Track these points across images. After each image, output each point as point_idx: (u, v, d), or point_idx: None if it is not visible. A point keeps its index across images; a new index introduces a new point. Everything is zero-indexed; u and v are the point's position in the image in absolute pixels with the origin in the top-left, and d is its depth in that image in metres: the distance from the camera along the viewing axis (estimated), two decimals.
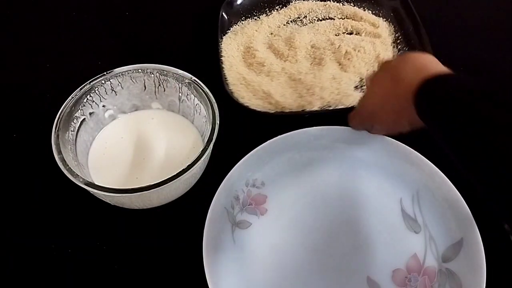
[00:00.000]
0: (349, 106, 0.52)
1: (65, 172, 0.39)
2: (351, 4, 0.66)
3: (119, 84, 0.47)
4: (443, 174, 0.44)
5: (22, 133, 0.52)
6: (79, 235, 0.45)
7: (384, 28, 0.62)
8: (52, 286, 0.42)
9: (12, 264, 0.43)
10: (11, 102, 0.56)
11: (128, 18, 0.66)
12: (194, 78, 0.46)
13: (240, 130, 0.50)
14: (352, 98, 0.52)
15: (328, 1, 0.66)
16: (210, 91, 0.45)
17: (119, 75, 0.47)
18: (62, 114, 0.43)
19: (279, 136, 0.47)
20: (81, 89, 0.45)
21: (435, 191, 0.44)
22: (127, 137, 0.48)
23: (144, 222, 0.45)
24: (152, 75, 0.48)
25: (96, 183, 0.39)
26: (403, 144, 0.46)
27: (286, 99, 0.52)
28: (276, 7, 0.65)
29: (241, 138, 0.48)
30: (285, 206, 0.46)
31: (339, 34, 0.61)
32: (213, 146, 0.42)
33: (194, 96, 0.47)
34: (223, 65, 0.55)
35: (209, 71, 0.51)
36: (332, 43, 0.58)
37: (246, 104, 0.51)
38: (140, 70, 0.47)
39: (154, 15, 0.67)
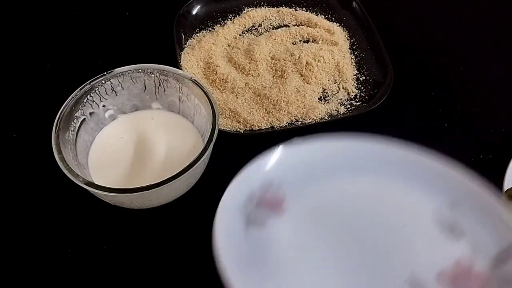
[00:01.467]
0: (317, 120, 0.52)
1: (65, 172, 0.39)
2: (304, 9, 0.66)
3: (119, 84, 0.47)
4: (481, 181, 0.43)
5: (22, 133, 0.52)
6: (79, 235, 0.45)
7: (339, 34, 0.62)
8: (52, 286, 0.42)
9: (12, 264, 0.43)
10: (11, 102, 0.56)
11: (128, 18, 0.66)
12: (194, 78, 0.46)
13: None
14: (318, 111, 0.53)
15: (281, 7, 0.65)
16: None
17: (119, 75, 0.47)
18: (62, 114, 0.43)
19: (303, 144, 0.45)
20: (81, 89, 0.45)
21: (475, 198, 0.43)
22: (127, 137, 0.48)
23: (144, 222, 0.45)
24: (152, 75, 0.48)
25: (96, 183, 0.39)
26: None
27: (254, 116, 0.52)
28: (230, 16, 0.64)
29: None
30: (305, 209, 0.44)
31: (296, 42, 0.61)
32: (213, 146, 0.42)
33: (194, 96, 0.47)
34: None
35: None
36: (291, 53, 0.57)
37: None
38: (140, 70, 0.47)
39: (154, 15, 0.67)
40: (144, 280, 0.42)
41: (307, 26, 0.63)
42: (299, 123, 0.52)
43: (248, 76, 0.56)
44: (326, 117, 0.52)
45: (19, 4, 0.68)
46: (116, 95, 0.48)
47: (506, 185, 0.44)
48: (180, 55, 0.57)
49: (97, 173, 0.45)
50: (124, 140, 0.48)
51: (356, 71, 0.58)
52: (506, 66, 0.59)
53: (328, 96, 0.55)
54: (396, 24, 0.66)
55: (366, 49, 0.60)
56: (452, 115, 0.54)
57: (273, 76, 0.56)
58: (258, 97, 0.54)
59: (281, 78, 0.56)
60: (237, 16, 0.64)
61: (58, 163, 0.40)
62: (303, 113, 0.53)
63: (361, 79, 0.57)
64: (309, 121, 0.52)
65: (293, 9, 0.65)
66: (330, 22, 0.64)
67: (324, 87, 0.56)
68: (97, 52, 0.61)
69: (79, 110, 0.45)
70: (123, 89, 0.48)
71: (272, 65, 0.57)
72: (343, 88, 0.56)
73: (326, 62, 0.57)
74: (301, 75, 0.56)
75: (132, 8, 0.68)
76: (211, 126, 0.43)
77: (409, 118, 0.55)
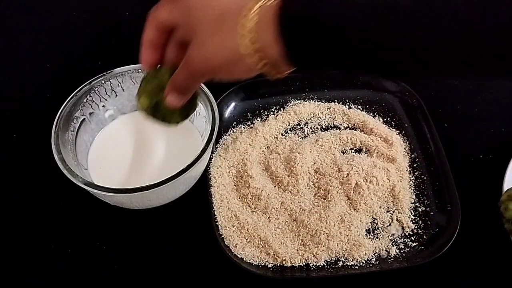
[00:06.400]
0: (362, 263, 0.43)
1: (65, 172, 0.39)
2: (359, 107, 0.54)
3: (119, 84, 0.47)
4: None
5: (22, 133, 0.52)
6: (79, 235, 0.45)
7: (398, 147, 0.51)
8: (52, 286, 0.42)
9: (12, 264, 0.43)
10: (11, 102, 0.56)
11: (128, 18, 0.66)
12: None
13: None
14: (364, 249, 0.43)
15: (333, 103, 0.55)
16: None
17: (119, 75, 0.47)
18: (62, 114, 0.44)
19: None
20: (81, 89, 0.45)
21: None
22: (127, 137, 0.48)
23: (144, 222, 0.45)
24: None
25: (96, 183, 0.40)
26: None
27: (287, 249, 0.43)
28: (273, 109, 0.54)
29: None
30: None
31: (346, 150, 0.51)
32: (213, 146, 0.42)
33: None
34: (213, 199, 0.45)
35: None
36: (339, 168, 0.48)
37: (240, 256, 0.43)
38: (140, 70, 0.47)
39: None
40: (144, 279, 0.42)
41: (361, 131, 0.53)
42: (340, 263, 0.43)
43: (286, 193, 0.47)
44: (373, 260, 0.43)
45: (19, 4, 0.68)
46: (116, 95, 0.48)
47: (506, 185, 0.44)
48: (211, 158, 0.49)
49: (97, 173, 0.46)
50: (124, 140, 0.48)
51: (414, 198, 0.47)
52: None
53: (378, 229, 0.45)
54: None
55: (429, 171, 0.49)
56: (452, 115, 0.54)
57: (315, 195, 0.47)
58: (295, 222, 0.45)
59: (324, 199, 0.47)
60: (281, 110, 0.54)
61: (58, 164, 0.40)
62: (346, 249, 0.44)
63: (420, 209, 0.46)
64: (353, 262, 0.43)
65: (346, 107, 0.55)
66: (389, 129, 0.53)
67: (374, 216, 0.46)
68: (97, 52, 0.61)
69: (79, 110, 0.45)
70: (123, 90, 0.48)
71: (315, 180, 0.48)
72: (397, 220, 0.46)
73: (379, 184, 0.47)
74: (348, 198, 0.46)
75: (132, 8, 0.68)
76: (210, 126, 0.43)
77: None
